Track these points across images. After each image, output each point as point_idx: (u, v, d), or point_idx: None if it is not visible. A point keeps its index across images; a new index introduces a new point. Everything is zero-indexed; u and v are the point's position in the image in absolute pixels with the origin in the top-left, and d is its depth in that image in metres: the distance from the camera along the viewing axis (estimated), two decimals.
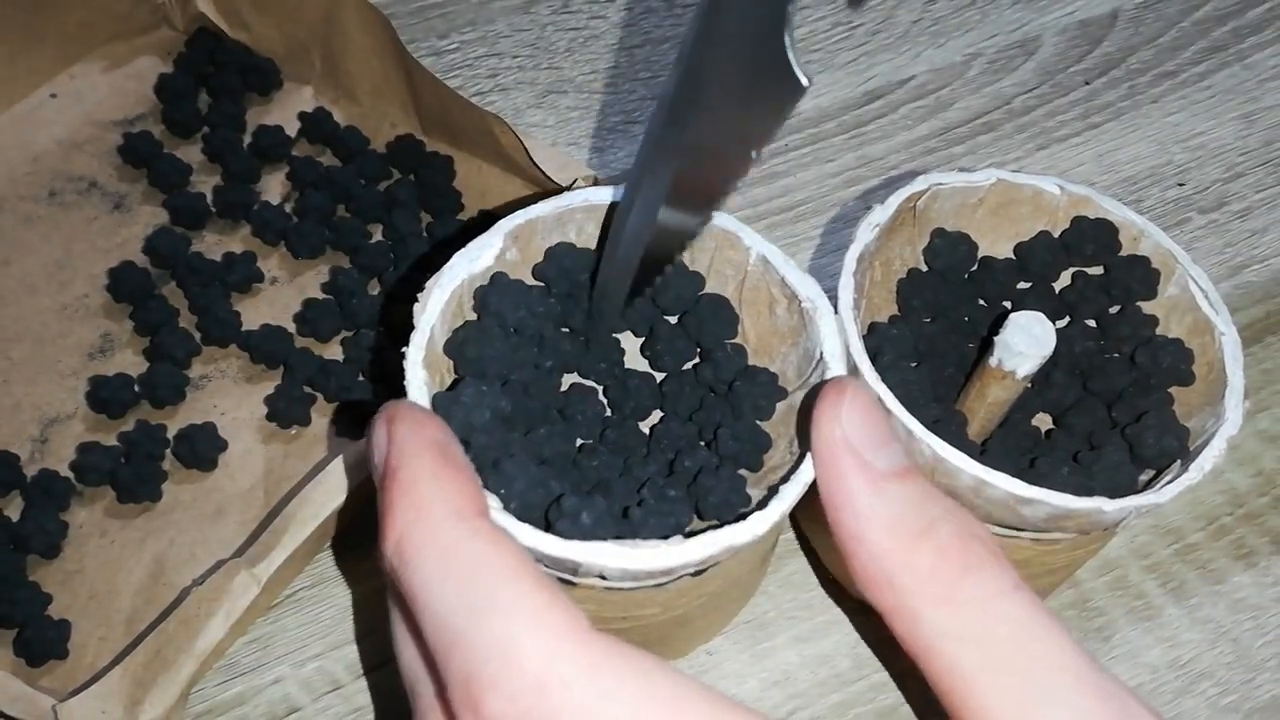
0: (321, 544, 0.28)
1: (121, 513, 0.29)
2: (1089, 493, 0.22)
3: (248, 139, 0.35)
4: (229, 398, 0.30)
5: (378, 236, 0.33)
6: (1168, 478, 0.22)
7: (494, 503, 0.20)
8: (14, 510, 0.28)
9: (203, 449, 0.29)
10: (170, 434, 0.29)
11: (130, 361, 0.31)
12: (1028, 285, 0.26)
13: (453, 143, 0.34)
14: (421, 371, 0.21)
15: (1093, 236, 0.25)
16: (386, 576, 0.17)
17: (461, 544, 0.16)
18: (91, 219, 0.33)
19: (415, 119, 0.34)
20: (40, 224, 0.33)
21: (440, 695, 0.17)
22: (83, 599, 0.27)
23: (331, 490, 0.26)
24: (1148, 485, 0.23)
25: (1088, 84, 0.38)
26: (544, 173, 0.31)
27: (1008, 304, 0.26)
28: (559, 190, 0.28)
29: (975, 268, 0.26)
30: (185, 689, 0.24)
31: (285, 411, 0.29)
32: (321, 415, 0.30)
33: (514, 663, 0.15)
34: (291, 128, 0.35)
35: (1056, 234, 0.25)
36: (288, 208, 0.34)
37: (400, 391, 0.29)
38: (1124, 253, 0.25)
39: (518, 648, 0.15)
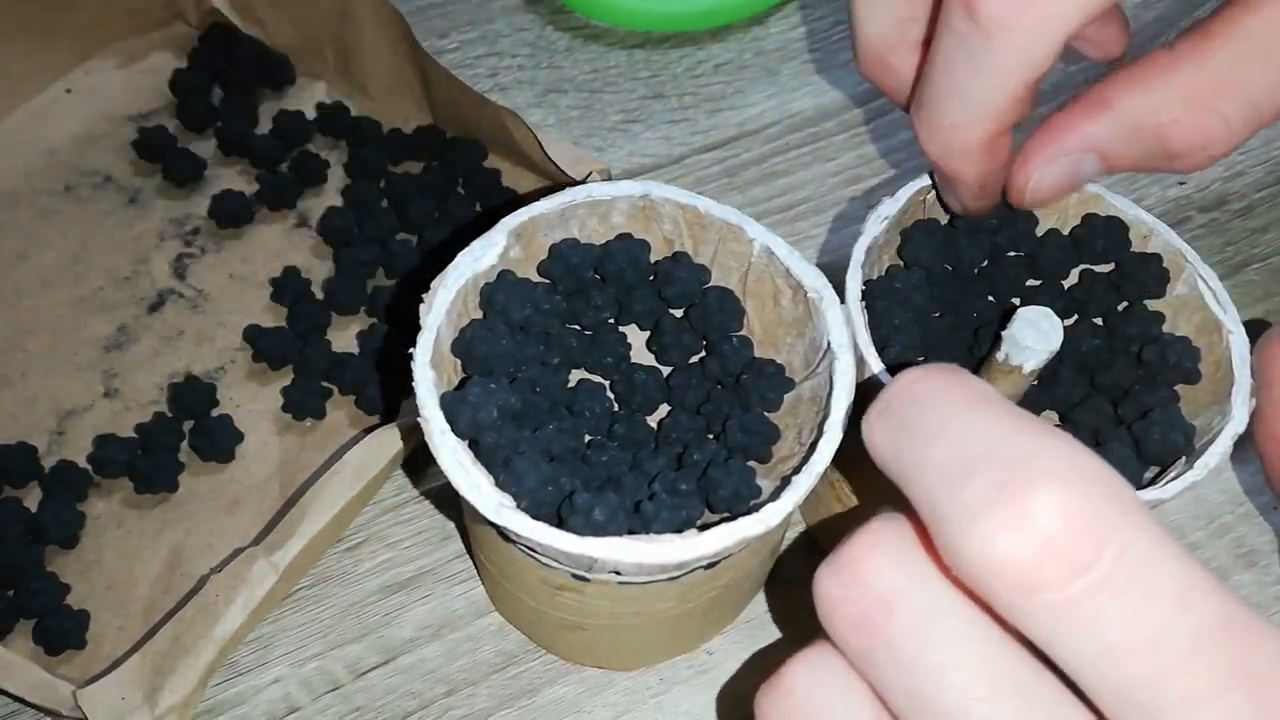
0: (338, 533, 0.27)
1: (138, 504, 0.28)
2: None
3: (261, 131, 0.34)
4: (244, 390, 0.30)
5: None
6: (1172, 474, 0.22)
7: (506, 501, 0.19)
8: (32, 501, 0.28)
9: (219, 441, 0.28)
10: (186, 426, 0.29)
11: (146, 352, 0.31)
12: (1038, 283, 0.25)
13: (465, 137, 0.33)
14: (429, 371, 0.20)
15: (1103, 234, 0.24)
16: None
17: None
18: (106, 213, 0.33)
19: (428, 113, 0.34)
20: (56, 218, 0.33)
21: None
22: (100, 589, 0.27)
23: (348, 479, 0.26)
24: (1152, 482, 0.23)
25: (1087, 82, 0.37)
26: (558, 167, 0.30)
27: (1016, 300, 0.25)
28: (572, 184, 0.28)
29: (985, 264, 0.25)
30: (204, 676, 0.24)
31: (301, 404, 0.29)
32: (337, 409, 0.30)
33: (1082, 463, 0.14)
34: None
35: (1066, 231, 0.25)
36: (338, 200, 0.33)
37: (408, 389, 0.28)
38: (1134, 251, 0.25)
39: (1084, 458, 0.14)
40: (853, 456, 0.20)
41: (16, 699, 0.24)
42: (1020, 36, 0.19)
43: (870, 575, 0.15)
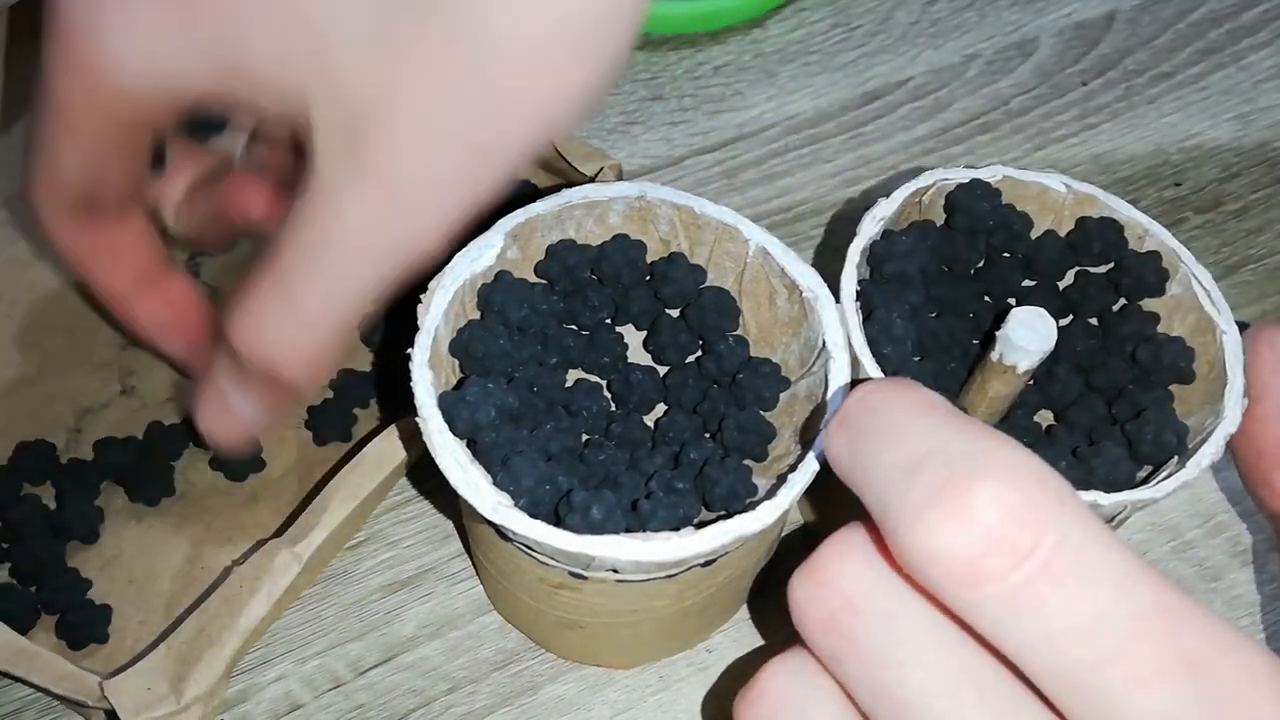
0: (359, 525, 0.27)
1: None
2: (1086, 487, 0.21)
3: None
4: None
5: None
6: (1165, 473, 0.21)
7: (503, 500, 0.19)
8: (51, 499, 0.27)
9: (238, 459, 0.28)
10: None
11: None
12: (1033, 284, 0.25)
13: None
14: (427, 372, 0.20)
15: (1099, 235, 0.23)
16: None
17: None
18: None
19: None
20: None
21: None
22: (122, 584, 0.26)
23: (368, 471, 0.25)
24: (1145, 481, 0.22)
25: (1085, 85, 0.36)
26: (569, 163, 0.30)
27: (1012, 301, 0.25)
28: (584, 180, 0.28)
29: (981, 264, 0.25)
30: (229, 666, 0.23)
31: (323, 428, 0.28)
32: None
33: (1019, 462, 0.14)
34: None
35: (1062, 232, 0.24)
36: None
37: (406, 391, 0.28)
38: (1131, 249, 0.24)
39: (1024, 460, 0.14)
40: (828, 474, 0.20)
41: (42, 690, 0.23)
42: None
43: (837, 579, 0.15)
